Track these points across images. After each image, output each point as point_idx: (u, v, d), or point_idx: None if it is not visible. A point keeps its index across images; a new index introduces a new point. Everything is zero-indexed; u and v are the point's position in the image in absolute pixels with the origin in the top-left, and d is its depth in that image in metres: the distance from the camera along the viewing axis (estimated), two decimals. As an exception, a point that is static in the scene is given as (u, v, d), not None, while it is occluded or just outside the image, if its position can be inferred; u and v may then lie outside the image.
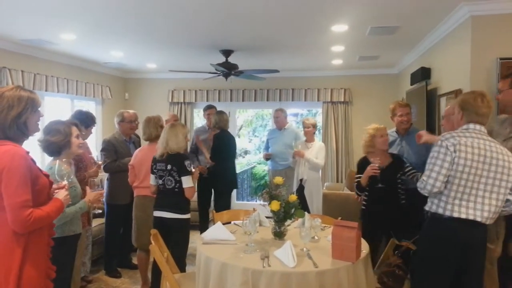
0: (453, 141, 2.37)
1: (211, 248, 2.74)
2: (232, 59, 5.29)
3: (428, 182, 2.40)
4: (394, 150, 3.72)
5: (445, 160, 2.36)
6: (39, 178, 2.03)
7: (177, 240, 3.31)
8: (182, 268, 3.31)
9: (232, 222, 3.44)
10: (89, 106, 6.53)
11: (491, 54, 3.34)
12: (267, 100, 7.16)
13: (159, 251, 2.90)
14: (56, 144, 2.63)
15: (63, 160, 2.66)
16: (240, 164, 7.38)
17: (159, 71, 7.19)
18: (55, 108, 5.84)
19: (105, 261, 4.38)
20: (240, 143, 6.24)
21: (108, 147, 4.24)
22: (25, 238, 1.95)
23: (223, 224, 3.22)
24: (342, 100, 6.91)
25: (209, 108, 5.49)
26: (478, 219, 2.34)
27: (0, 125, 1.99)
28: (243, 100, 7.27)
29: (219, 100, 7.23)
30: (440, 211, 2.41)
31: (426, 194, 2.48)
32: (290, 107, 7.36)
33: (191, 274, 3.16)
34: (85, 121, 3.80)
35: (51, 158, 2.71)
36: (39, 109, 2.11)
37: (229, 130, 5.30)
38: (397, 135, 3.78)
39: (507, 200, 2.39)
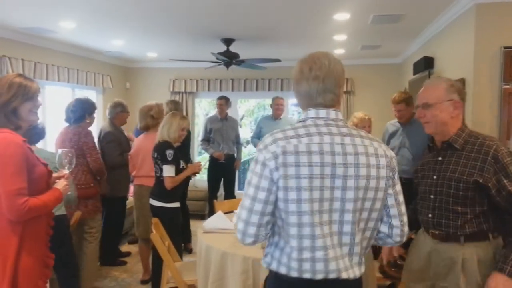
0: None
1: (211, 237, 2.75)
2: (233, 48, 5.25)
3: None
4: (396, 140, 3.71)
5: None
6: (36, 167, 2.01)
7: (166, 229, 3.27)
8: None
9: (234, 211, 3.44)
10: (90, 95, 6.48)
11: (495, 43, 3.30)
12: (269, 89, 7.12)
13: (160, 240, 2.91)
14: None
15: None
16: (243, 154, 7.40)
17: (160, 60, 7.15)
18: (56, 97, 5.82)
19: (105, 252, 4.27)
20: (242, 133, 6.27)
21: (115, 140, 4.13)
22: (21, 227, 1.94)
23: (225, 213, 3.24)
24: (344, 90, 6.84)
25: (220, 98, 5.63)
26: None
27: None
28: (244, 90, 7.23)
29: (220, 90, 7.19)
30: None
31: None
32: (292, 97, 7.32)
33: (192, 263, 3.18)
34: (88, 108, 3.71)
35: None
36: (36, 97, 2.06)
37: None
38: (399, 125, 3.77)
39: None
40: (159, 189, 3.34)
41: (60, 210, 2.82)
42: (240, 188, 8.08)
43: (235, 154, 5.77)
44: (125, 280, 4.04)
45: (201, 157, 8.13)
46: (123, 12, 4.03)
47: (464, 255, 1.84)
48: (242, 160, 7.07)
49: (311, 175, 1.31)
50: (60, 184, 2.15)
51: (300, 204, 1.31)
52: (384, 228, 1.47)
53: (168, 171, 3.26)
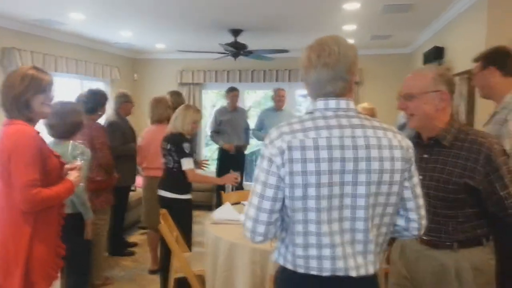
0: None
1: (219, 228, 2.77)
2: (241, 39, 5.22)
3: None
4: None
5: None
6: (48, 159, 2.03)
7: (178, 220, 3.29)
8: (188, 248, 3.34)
9: (241, 203, 3.45)
10: (98, 86, 6.52)
11: (507, 34, 3.23)
12: (276, 80, 7.08)
13: (168, 230, 2.93)
14: (76, 124, 2.71)
15: (78, 141, 2.71)
16: (251, 145, 7.41)
17: (168, 51, 7.14)
18: (65, 88, 5.85)
19: (112, 243, 4.34)
20: (250, 124, 6.30)
21: (119, 129, 4.17)
22: (33, 217, 1.97)
23: (232, 204, 3.25)
24: (354, 79, 6.80)
25: (233, 90, 5.61)
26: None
27: (2, 105, 1.99)
28: (252, 81, 7.20)
29: (228, 81, 7.18)
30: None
31: None
32: (299, 87, 7.29)
33: (200, 254, 3.20)
34: (100, 100, 3.72)
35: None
36: (49, 90, 2.06)
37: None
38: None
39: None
40: (172, 181, 3.33)
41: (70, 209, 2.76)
42: (247, 180, 8.11)
43: (245, 145, 5.78)
44: (134, 269, 4.09)
45: (208, 148, 8.15)
46: (132, 4, 4.02)
47: (457, 263, 1.67)
48: (248, 152, 7.10)
49: (319, 171, 1.24)
50: (72, 175, 2.17)
51: (306, 201, 1.26)
52: (400, 222, 1.40)
53: (189, 164, 3.24)
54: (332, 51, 1.31)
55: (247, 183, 7.64)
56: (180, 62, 7.39)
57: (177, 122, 3.34)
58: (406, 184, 1.35)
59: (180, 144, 3.25)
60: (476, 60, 2.26)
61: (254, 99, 10.80)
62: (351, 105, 1.35)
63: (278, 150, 1.27)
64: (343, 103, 1.34)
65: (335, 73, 1.31)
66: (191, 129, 3.38)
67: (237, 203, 3.46)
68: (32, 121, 2.04)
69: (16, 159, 1.89)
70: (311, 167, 1.24)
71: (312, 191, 1.25)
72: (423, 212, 1.40)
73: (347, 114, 1.33)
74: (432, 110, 1.70)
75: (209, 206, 6.03)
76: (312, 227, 1.28)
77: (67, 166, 2.23)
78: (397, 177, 1.30)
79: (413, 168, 1.36)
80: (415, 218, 1.38)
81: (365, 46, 6.38)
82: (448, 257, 1.69)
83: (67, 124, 2.70)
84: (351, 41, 5.87)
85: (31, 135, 1.96)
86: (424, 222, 1.41)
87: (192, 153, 3.31)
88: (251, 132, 5.92)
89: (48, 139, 2.50)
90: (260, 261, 2.37)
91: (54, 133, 2.71)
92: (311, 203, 1.26)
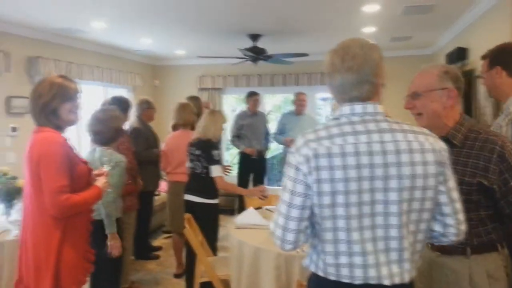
0: None
1: (244, 233, 2.78)
2: (260, 44, 5.25)
3: None
4: None
5: None
6: (77, 165, 2.08)
7: (204, 225, 3.33)
8: (212, 252, 3.36)
9: (264, 207, 3.46)
10: (121, 93, 6.64)
11: (534, 32, 3.17)
12: (297, 84, 7.06)
13: (193, 235, 2.96)
14: (118, 130, 2.85)
15: (108, 150, 2.77)
16: (271, 149, 7.41)
17: (188, 57, 7.22)
18: (89, 96, 5.98)
19: (137, 246, 4.37)
20: (270, 128, 6.32)
21: (142, 135, 4.25)
22: (63, 222, 2.01)
23: (255, 209, 3.26)
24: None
25: (255, 94, 5.65)
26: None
27: (32, 112, 2.05)
28: (271, 85, 7.21)
29: (247, 86, 7.20)
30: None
31: None
32: (319, 91, 7.27)
33: (225, 258, 3.22)
34: (123, 107, 3.81)
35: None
36: (75, 98, 2.11)
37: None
38: None
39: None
40: (200, 186, 3.36)
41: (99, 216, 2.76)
42: (269, 184, 8.11)
43: (265, 149, 5.82)
44: (159, 273, 4.14)
45: (228, 152, 8.18)
46: (152, 11, 4.09)
47: (471, 269, 1.59)
48: (269, 156, 7.11)
49: (346, 178, 1.22)
50: (100, 181, 2.21)
51: (335, 209, 1.24)
52: (438, 227, 1.34)
53: (218, 171, 3.29)
54: (356, 54, 1.29)
55: (269, 187, 7.65)
56: (199, 67, 7.47)
57: (208, 129, 3.37)
58: (441, 188, 1.29)
59: (209, 151, 3.30)
60: (483, 57, 2.18)
61: (274, 103, 10.81)
62: (379, 108, 1.31)
63: (304, 158, 1.26)
64: (370, 107, 1.30)
65: (360, 76, 1.29)
66: (221, 133, 3.46)
67: (260, 207, 3.46)
68: (60, 128, 2.09)
69: (46, 165, 1.94)
70: (338, 174, 1.23)
71: (340, 199, 1.23)
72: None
73: (375, 118, 1.29)
74: (439, 108, 1.64)
75: (231, 210, 6.05)
76: (342, 235, 1.26)
77: (95, 172, 2.28)
78: (431, 181, 1.26)
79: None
80: (452, 223, 1.33)
81: (385, 48, 6.28)
82: (461, 264, 1.61)
83: (110, 130, 2.82)
84: (371, 43, 5.81)
85: (60, 142, 2.01)
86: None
87: (220, 160, 3.36)
88: (272, 136, 5.93)
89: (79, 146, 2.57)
90: (285, 266, 2.37)
91: (99, 140, 2.82)
92: (340, 211, 1.24)
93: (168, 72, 7.76)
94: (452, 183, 1.32)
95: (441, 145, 1.31)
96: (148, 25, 4.72)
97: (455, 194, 1.33)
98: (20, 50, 4.65)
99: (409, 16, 4.28)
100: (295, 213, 1.28)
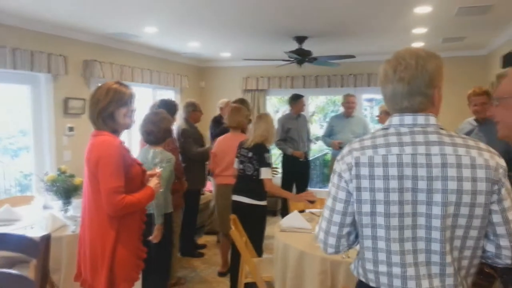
0: None
1: (288, 236, 2.79)
2: (305, 46, 5.22)
3: None
4: None
5: None
6: (131, 167, 2.19)
7: (252, 226, 3.39)
8: (258, 254, 3.40)
9: (307, 210, 3.46)
10: (169, 95, 6.87)
11: None
12: (341, 86, 6.97)
13: (238, 236, 3.01)
14: (168, 130, 3.10)
15: (158, 148, 2.93)
16: (313, 151, 7.36)
17: (233, 59, 7.33)
18: (139, 97, 6.21)
19: (182, 243, 4.50)
20: (312, 129, 6.29)
21: (191, 136, 4.41)
22: (118, 221, 2.12)
23: (299, 212, 3.27)
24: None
25: (300, 97, 5.62)
26: None
27: (90, 117, 2.18)
28: (316, 86, 7.16)
29: (291, 87, 7.20)
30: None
31: None
32: (365, 92, 7.14)
33: (269, 260, 3.25)
34: (171, 109, 3.94)
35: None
36: (130, 102, 2.22)
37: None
38: (476, 123, 3.53)
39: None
40: (254, 187, 3.40)
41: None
42: (311, 186, 8.09)
43: (308, 151, 5.82)
44: (204, 271, 4.25)
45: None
46: (199, 16, 4.19)
47: None
48: (311, 158, 7.07)
49: (387, 189, 1.24)
50: (153, 182, 2.31)
51: (375, 217, 1.27)
52: (490, 248, 1.29)
53: (268, 173, 3.36)
54: (409, 65, 1.28)
55: (311, 189, 7.62)
56: (244, 69, 7.56)
57: (267, 133, 3.43)
58: (494, 207, 1.23)
59: (262, 154, 3.36)
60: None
61: (317, 104, 10.74)
62: (432, 120, 1.29)
63: (347, 166, 1.31)
64: (421, 118, 1.29)
65: (412, 88, 1.27)
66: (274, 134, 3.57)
67: (303, 210, 3.47)
68: (116, 132, 2.21)
69: (103, 167, 2.06)
70: (379, 184, 1.25)
71: (380, 208, 1.25)
72: None
73: (425, 130, 1.27)
74: None
75: (274, 211, 6.08)
76: (381, 244, 1.28)
77: (148, 172, 2.39)
78: (480, 199, 1.21)
79: (504, 190, 1.23)
80: (507, 246, 1.26)
81: (436, 49, 6.08)
82: None
83: (161, 131, 3.07)
84: (420, 44, 5.65)
85: (116, 145, 2.12)
86: None
87: (271, 163, 3.41)
88: (320, 137, 5.91)
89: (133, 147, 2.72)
90: (330, 271, 2.36)
91: (151, 139, 3.07)
92: (380, 220, 1.26)
93: (213, 74, 7.91)
94: (508, 203, 1.24)
95: (499, 162, 1.24)
96: (195, 29, 4.84)
97: (511, 215, 1.25)
98: (77, 54, 4.91)
99: (464, 17, 4.12)
100: (336, 218, 1.34)
